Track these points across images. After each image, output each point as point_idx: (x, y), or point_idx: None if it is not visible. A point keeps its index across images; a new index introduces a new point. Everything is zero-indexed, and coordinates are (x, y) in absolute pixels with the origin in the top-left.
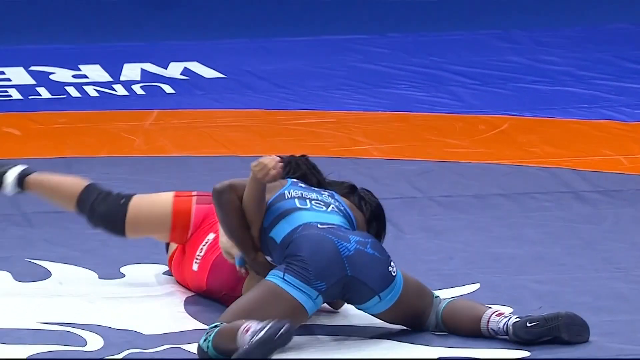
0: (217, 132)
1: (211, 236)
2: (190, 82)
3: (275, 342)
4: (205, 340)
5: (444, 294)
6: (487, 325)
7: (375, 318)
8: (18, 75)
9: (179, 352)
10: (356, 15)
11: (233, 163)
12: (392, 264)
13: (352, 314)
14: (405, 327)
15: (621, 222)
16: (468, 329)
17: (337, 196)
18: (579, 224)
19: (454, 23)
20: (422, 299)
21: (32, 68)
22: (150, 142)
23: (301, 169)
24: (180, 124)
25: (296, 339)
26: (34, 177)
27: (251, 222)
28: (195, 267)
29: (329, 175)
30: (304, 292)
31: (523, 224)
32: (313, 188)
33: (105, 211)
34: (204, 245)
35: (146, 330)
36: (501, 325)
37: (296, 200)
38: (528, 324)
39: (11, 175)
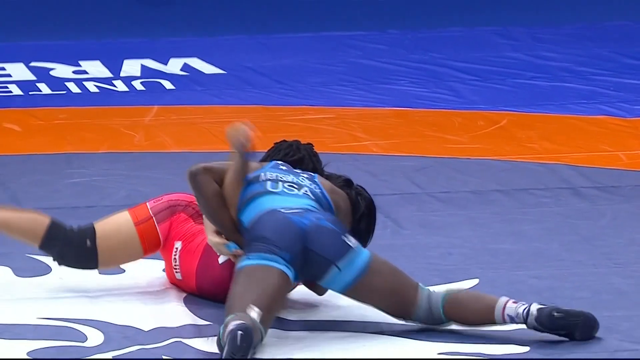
0: (216, 128)
1: (178, 244)
2: (190, 78)
3: (241, 347)
4: (220, 333)
5: (443, 289)
6: (503, 311)
7: (371, 313)
8: (18, 71)
9: (180, 346)
10: (355, 12)
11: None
12: (348, 237)
13: (345, 305)
14: (397, 320)
15: (619, 217)
16: (478, 317)
17: (316, 179)
18: (577, 220)
19: (452, 20)
20: (401, 282)
21: (33, 64)
22: (150, 137)
23: (300, 153)
24: (180, 120)
25: (294, 334)
26: None
27: (230, 205)
28: (178, 276)
29: (326, 165)
30: (275, 261)
31: (521, 220)
32: (293, 170)
33: (75, 257)
34: (175, 255)
35: (146, 326)
36: (520, 311)
37: (268, 183)
38: (555, 314)
39: None
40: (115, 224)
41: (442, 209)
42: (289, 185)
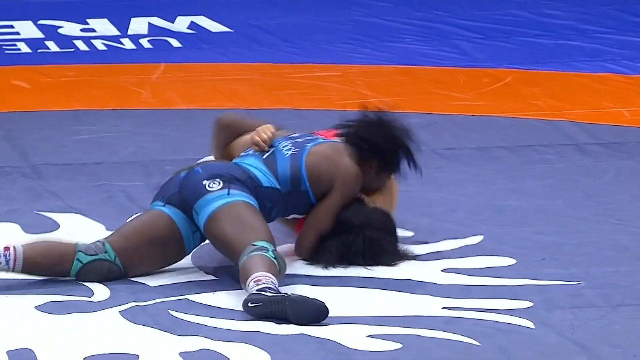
0: (223, 85)
1: None
2: (197, 36)
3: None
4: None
5: (447, 246)
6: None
7: (376, 270)
8: (27, 28)
9: (186, 301)
10: None
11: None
12: (216, 181)
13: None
14: (404, 277)
15: (622, 174)
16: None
17: (310, 144)
18: (581, 176)
19: None
20: (240, 231)
21: (41, 22)
22: (157, 95)
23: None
24: (187, 77)
25: (297, 287)
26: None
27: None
28: None
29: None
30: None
31: (525, 176)
32: (304, 135)
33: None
34: None
35: (152, 282)
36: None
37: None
38: (249, 305)
39: None
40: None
41: (446, 165)
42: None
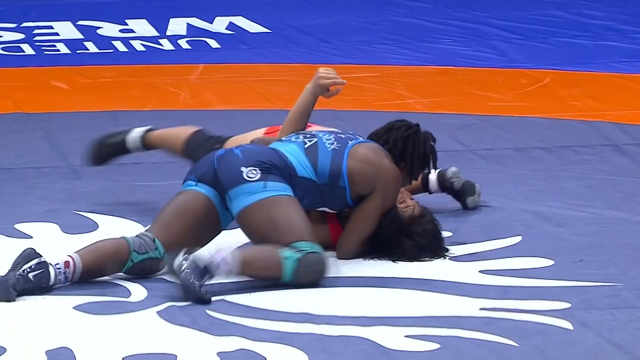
0: (261, 86)
1: None
2: (235, 37)
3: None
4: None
5: (485, 247)
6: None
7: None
8: (66, 29)
9: (223, 302)
10: None
11: (277, 117)
12: (254, 170)
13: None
14: (442, 278)
15: None
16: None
17: (352, 142)
18: (620, 177)
19: None
20: (275, 229)
21: (80, 23)
22: (195, 96)
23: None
24: (226, 78)
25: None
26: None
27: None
28: None
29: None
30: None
31: (564, 177)
32: (347, 132)
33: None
34: None
35: None
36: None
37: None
38: (183, 269)
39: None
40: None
41: (485, 166)
42: (303, 137)
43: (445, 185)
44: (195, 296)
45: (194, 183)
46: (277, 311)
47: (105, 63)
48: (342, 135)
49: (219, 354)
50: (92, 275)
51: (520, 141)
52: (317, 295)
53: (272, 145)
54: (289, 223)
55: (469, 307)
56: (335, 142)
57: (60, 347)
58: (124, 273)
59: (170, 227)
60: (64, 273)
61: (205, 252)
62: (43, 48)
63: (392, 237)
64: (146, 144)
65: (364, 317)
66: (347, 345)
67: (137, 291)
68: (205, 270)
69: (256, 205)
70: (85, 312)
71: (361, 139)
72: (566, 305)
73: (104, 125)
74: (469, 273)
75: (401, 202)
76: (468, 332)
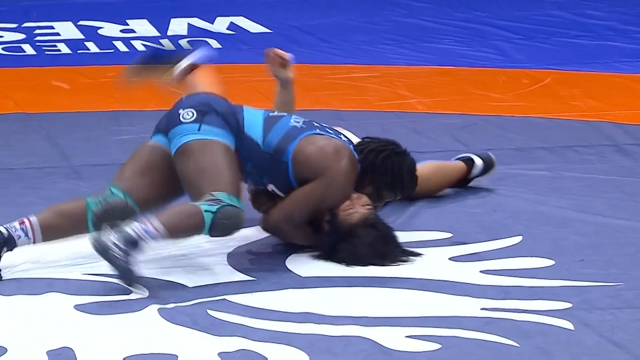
0: (263, 87)
1: None
2: (236, 37)
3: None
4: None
5: (486, 247)
6: None
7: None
8: (67, 29)
9: (224, 302)
10: None
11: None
12: (190, 111)
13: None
14: (443, 278)
15: None
16: None
17: (328, 132)
18: (621, 177)
19: None
20: (201, 176)
21: (81, 23)
22: None
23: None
24: (227, 78)
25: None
26: None
27: None
28: None
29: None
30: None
31: (565, 177)
32: (327, 125)
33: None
34: None
35: (190, 282)
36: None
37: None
38: (109, 235)
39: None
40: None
41: None
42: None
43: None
44: (126, 276)
45: (154, 133)
46: (278, 311)
47: (107, 63)
48: (316, 123)
49: (219, 354)
50: (56, 231)
51: (522, 141)
52: (319, 295)
53: (237, 104)
54: (214, 171)
55: (470, 307)
56: (302, 123)
57: (61, 347)
58: (94, 228)
59: (127, 175)
60: (22, 229)
61: (129, 225)
62: (44, 48)
63: (328, 240)
64: None
65: (365, 317)
66: (348, 346)
67: (138, 291)
68: (132, 244)
69: (187, 146)
70: (85, 312)
71: (344, 138)
72: (567, 305)
73: (106, 125)
74: (469, 273)
75: (347, 209)
76: (469, 332)
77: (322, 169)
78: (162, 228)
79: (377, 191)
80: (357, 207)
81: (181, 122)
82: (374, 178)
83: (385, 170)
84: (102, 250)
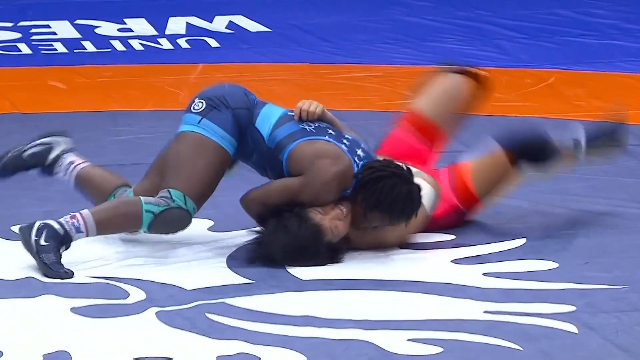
0: (262, 86)
1: None
2: (235, 36)
3: None
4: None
5: (489, 249)
6: None
7: (416, 272)
8: (63, 28)
9: (223, 305)
10: None
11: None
12: (201, 102)
13: (379, 266)
14: (445, 281)
15: None
16: None
17: (336, 138)
18: (625, 178)
19: None
20: (174, 168)
21: (78, 21)
22: None
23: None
24: (226, 78)
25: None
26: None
27: None
28: None
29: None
30: None
31: (569, 178)
32: (344, 134)
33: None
34: None
35: (189, 285)
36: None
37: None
38: (34, 228)
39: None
40: None
41: None
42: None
43: None
44: (53, 273)
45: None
46: (278, 314)
47: (104, 62)
48: (332, 131)
49: (218, 357)
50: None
51: None
52: (319, 297)
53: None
54: (187, 167)
55: (473, 310)
56: (314, 129)
57: (57, 351)
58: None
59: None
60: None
61: (58, 220)
62: (40, 47)
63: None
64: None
65: (366, 320)
66: (349, 349)
67: (136, 293)
68: (61, 239)
69: (182, 134)
70: (82, 315)
71: (359, 152)
72: (571, 308)
73: (103, 125)
74: (472, 276)
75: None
76: (472, 335)
77: (308, 167)
78: (92, 223)
79: (363, 211)
80: (322, 217)
81: (189, 110)
82: (362, 196)
83: (374, 190)
84: (24, 243)
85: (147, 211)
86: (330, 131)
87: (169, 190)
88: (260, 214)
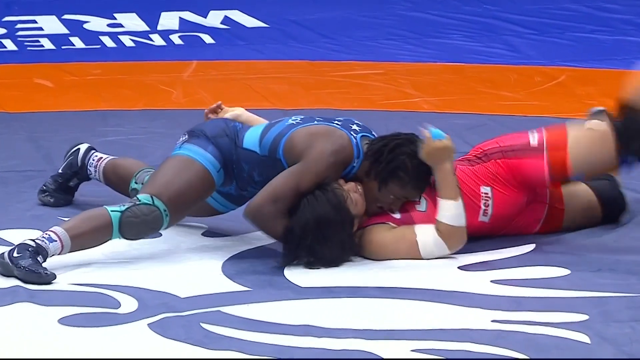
0: (259, 84)
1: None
2: (231, 32)
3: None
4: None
5: (497, 255)
6: None
7: (423, 280)
8: (50, 24)
9: (218, 313)
10: None
11: (275, 116)
12: (185, 135)
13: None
14: (452, 289)
15: None
16: None
17: (326, 122)
18: (637, 180)
19: None
20: (150, 180)
21: (65, 17)
22: (188, 94)
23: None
24: (221, 76)
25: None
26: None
27: None
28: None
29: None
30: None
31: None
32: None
33: None
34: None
35: (183, 293)
36: None
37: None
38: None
39: None
40: None
41: None
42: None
43: None
44: (33, 275)
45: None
46: (276, 323)
47: (93, 60)
48: (320, 117)
49: None
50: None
51: None
52: (319, 306)
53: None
54: (160, 176)
55: (480, 319)
56: (301, 120)
57: None
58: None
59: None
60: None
61: (32, 237)
62: (26, 44)
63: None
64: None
65: (368, 329)
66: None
67: (127, 302)
68: (35, 249)
69: (167, 158)
70: (71, 325)
71: (354, 127)
72: (583, 317)
73: (92, 125)
74: (480, 283)
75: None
76: (479, 346)
77: (305, 149)
78: (65, 234)
79: (378, 185)
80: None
81: (177, 143)
82: (375, 169)
83: (391, 159)
84: (4, 262)
85: (113, 211)
86: (318, 117)
87: (137, 196)
88: (274, 215)
